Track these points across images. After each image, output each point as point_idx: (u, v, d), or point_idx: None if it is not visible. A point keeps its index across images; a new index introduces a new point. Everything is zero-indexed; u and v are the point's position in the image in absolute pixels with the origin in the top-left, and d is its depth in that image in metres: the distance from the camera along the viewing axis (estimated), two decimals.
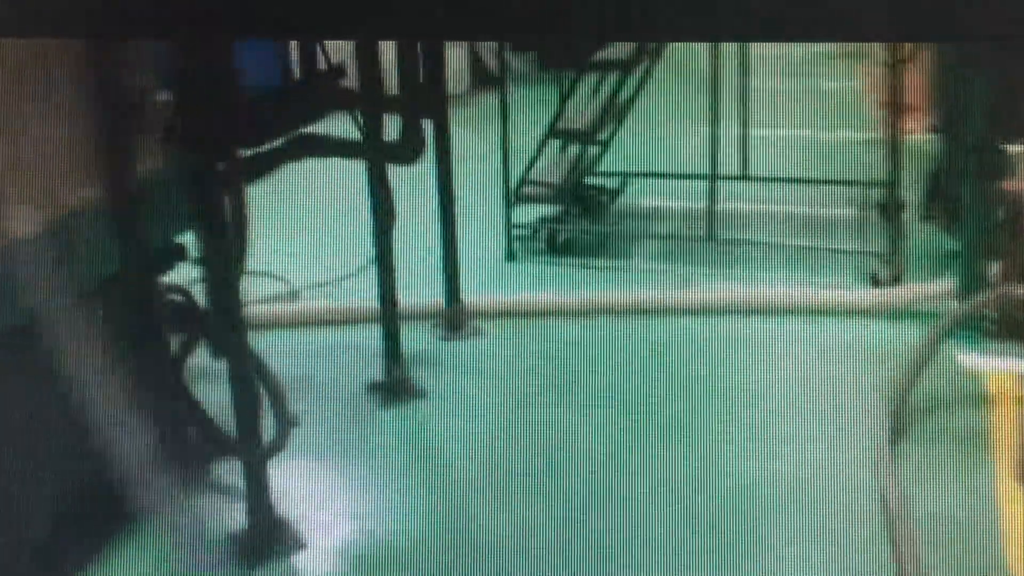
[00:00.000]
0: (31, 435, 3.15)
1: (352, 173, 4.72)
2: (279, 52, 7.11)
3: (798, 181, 6.87)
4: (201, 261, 3.18)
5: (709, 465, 4.11)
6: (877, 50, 6.76)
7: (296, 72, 4.59)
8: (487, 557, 3.62)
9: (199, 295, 3.76)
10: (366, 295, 4.92)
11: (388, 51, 4.25)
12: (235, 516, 3.67)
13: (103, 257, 3.04)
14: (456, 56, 10.04)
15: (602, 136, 6.60)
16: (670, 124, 7.98)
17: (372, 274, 4.74)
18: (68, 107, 2.75)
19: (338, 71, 4.36)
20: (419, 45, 4.23)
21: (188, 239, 3.62)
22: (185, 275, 3.84)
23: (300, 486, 3.98)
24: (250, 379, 3.33)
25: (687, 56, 8.04)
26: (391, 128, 4.40)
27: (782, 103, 8.69)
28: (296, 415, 4.23)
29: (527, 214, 6.52)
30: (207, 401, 3.93)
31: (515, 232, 6.38)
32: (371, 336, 4.83)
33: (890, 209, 6.01)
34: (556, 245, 6.42)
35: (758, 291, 5.53)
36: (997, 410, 4.40)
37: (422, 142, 4.26)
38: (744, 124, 6.60)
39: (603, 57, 6.21)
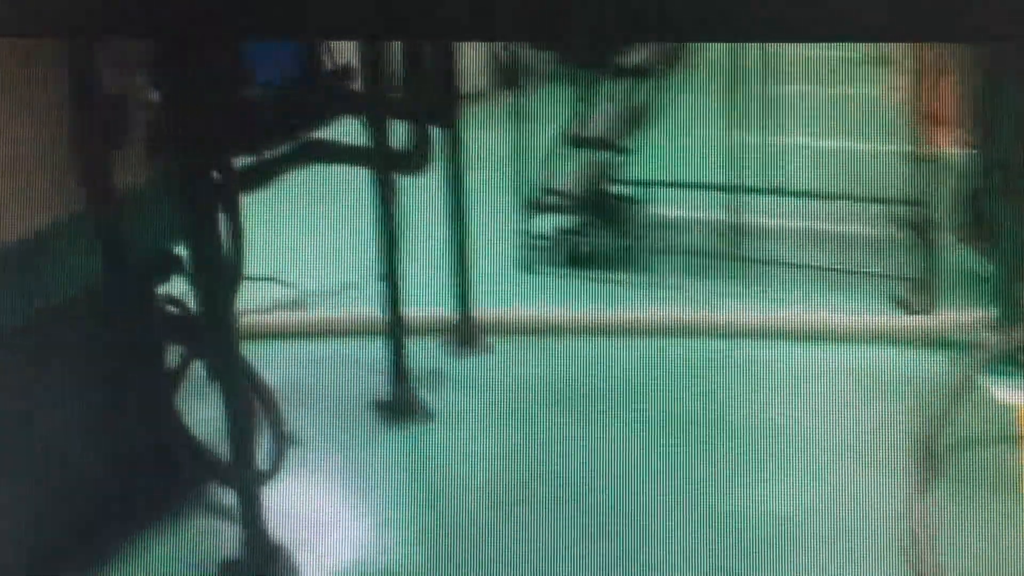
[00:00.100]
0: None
1: (365, 175, 4.55)
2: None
3: (824, 197, 6.62)
4: (192, 280, 3.02)
5: (727, 498, 3.93)
6: (909, 57, 6.52)
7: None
8: None
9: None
10: (374, 304, 4.74)
11: (397, 52, 4.09)
12: (227, 542, 3.52)
13: (86, 268, 2.87)
14: (476, 53, 9.87)
15: (625, 143, 6.39)
16: (695, 131, 7.76)
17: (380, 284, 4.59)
18: (45, 109, 2.59)
19: (345, 72, 4.20)
20: (429, 47, 4.06)
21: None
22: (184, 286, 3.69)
23: (296, 511, 3.82)
24: (243, 405, 3.17)
25: (713, 61, 7.81)
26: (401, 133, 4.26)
27: (809, 110, 8.44)
28: (295, 434, 4.10)
29: (546, 223, 6.35)
30: (207, 418, 3.78)
31: (532, 242, 6.21)
32: (378, 349, 4.66)
33: (922, 229, 5.76)
34: (576, 257, 6.25)
35: (781, 314, 5.31)
36: None
37: (430, 151, 4.10)
38: (769, 132, 6.38)
39: (627, 62, 6.02)
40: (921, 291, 5.39)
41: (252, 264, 5.63)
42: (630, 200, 6.73)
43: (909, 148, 6.14)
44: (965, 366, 4.33)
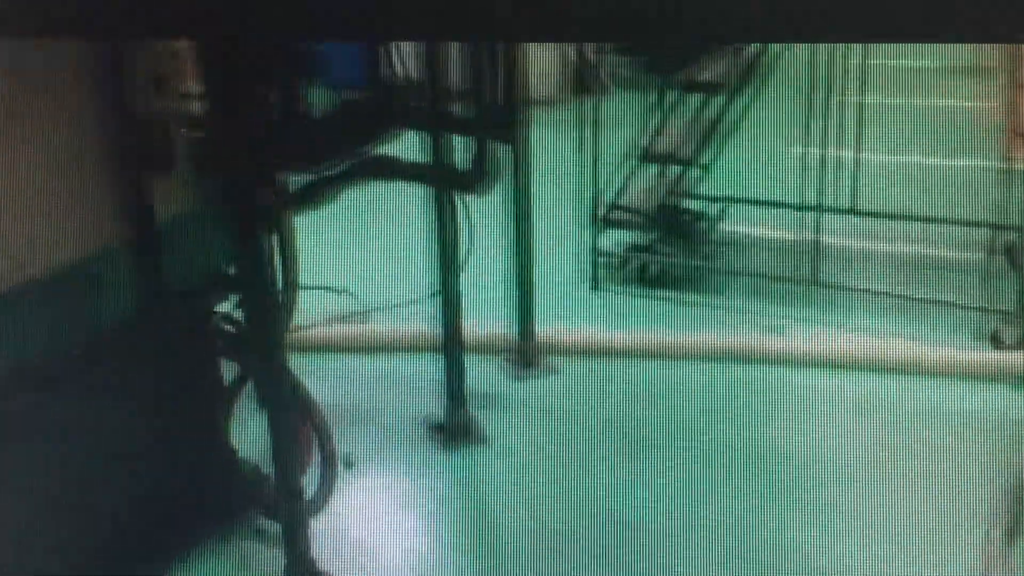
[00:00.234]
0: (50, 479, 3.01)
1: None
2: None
3: (908, 218, 6.34)
4: (240, 308, 2.98)
5: (794, 538, 3.76)
6: (1007, 67, 6.22)
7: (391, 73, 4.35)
8: None
9: None
10: (435, 320, 4.67)
11: (460, 67, 4.02)
12: (275, 568, 3.48)
13: (139, 290, 2.85)
14: (545, 57, 9.77)
15: (699, 158, 6.24)
16: (772, 146, 7.53)
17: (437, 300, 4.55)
18: (85, 134, 2.57)
19: (410, 85, 4.14)
20: (494, 62, 3.97)
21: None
22: None
23: (343, 536, 3.77)
24: (290, 437, 3.12)
25: (790, 74, 7.58)
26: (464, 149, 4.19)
27: (893, 124, 8.12)
28: (352, 456, 4.07)
29: (616, 240, 6.23)
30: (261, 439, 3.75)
31: (601, 260, 6.10)
32: (435, 367, 4.60)
33: (1016, 256, 5.48)
34: (646, 276, 6.14)
35: (859, 344, 5.10)
36: None
37: (492, 172, 4.00)
38: (850, 148, 6.14)
39: (701, 76, 5.86)
40: (1014, 324, 5.13)
41: (317, 273, 5.78)
42: (702, 217, 6.57)
43: (1002, 165, 5.87)
44: None
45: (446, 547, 3.89)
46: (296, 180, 3.69)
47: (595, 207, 6.07)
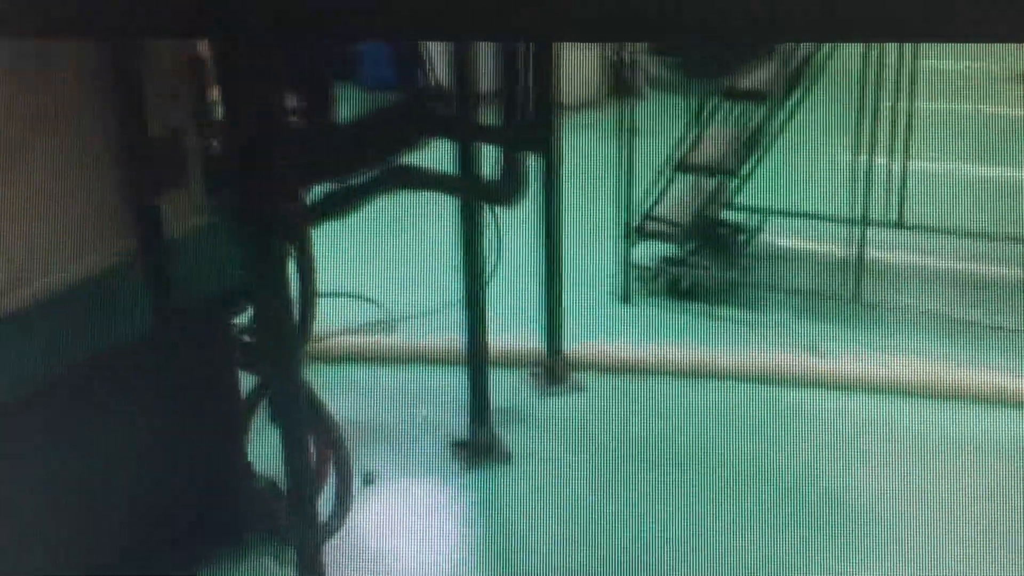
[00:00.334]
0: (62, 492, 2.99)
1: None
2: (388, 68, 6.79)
3: (961, 233, 6.19)
4: (255, 326, 2.94)
5: (826, 569, 3.66)
6: None
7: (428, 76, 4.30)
8: None
9: None
10: (461, 332, 4.62)
11: (490, 75, 3.97)
12: None
13: (147, 306, 2.82)
14: (590, 62, 9.71)
15: (737, 167, 6.13)
16: (815, 156, 7.42)
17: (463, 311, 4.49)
18: (98, 149, 2.53)
19: (438, 93, 4.09)
20: (527, 68, 3.92)
21: None
22: None
23: (362, 558, 3.73)
24: (305, 455, 3.08)
25: (841, 80, 7.45)
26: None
27: (946, 133, 7.96)
28: (372, 473, 4.04)
29: (649, 252, 6.14)
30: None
31: (633, 272, 6.02)
32: (460, 380, 4.55)
33: None
34: (679, 289, 6.02)
35: (908, 367, 4.98)
36: None
37: (523, 183, 3.95)
38: (898, 157, 6.01)
39: (742, 85, 5.76)
40: None
41: (341, 281, 5.77)
42: (740, 228, 6.47)
43: None
44: None
45: (468, 570, 3.83)
46: (317, 189, 3.67)
47: (628, 217, 5.98)
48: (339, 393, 4.88)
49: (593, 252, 6.06)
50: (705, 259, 6.19)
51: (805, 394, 4.95)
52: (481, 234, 4.34)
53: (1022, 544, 3.69)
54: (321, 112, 3.73)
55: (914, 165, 6.12)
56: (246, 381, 3.69)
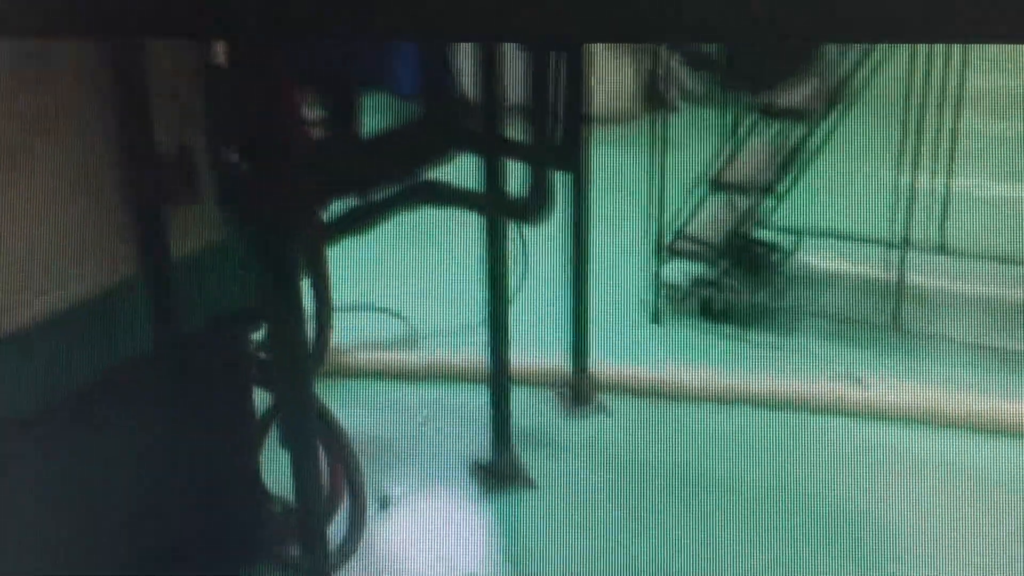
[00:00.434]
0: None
1: None
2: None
3: (1009, 261, 6.05)
4: (267, 347, 2.90)
5: None
6: None
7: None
8: None
9: None
10: (485, 350, 4.56)
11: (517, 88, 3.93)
12: None
13: (156, 326, 2.78)
14: (622, 73, 9.66)
15: (777, 187, 6.05)
16: (856, 174, 7.30)
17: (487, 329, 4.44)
18: (105, 164, 2.50)
19: (464, 105, 4.05)
20: (555, 82, 3.87)
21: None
22: None
23: None
24: (317, 486, 3.03)
25: (884, 97, 7.35)
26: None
27: (997, 153, 7.81)
28: (388, 496, 3.99)
29: (680, 271, 6.06)
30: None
31: (664, 292, 5.94)
32: (482, 400, 4.49)
33: None
34: (711, 311, 5.94)
35: (946, 399, 4.87)
36: None
37: (550, 201, 3.90)
38: (943, 177, 5.89)
39: (781, 103, 5.68)
40: None
41: (363, 294, 5.75)
42: (775, 249, 6.37)
43: None
44: None
45: None
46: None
47: (659, 235, 5.92)
48: (358, 410, 4.87)
49: (622, 270, 6.00)
50: (738, 280, 6.12)
51: (840, 423, 4.85)
52: (506, 250, 4.28)
53: None
54: (343, 123, 3.71)
55: (958, 187, 6.00)
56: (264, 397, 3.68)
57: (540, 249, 4.96)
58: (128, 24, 1.92)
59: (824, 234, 6.48)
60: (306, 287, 3.16)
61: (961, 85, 5.76)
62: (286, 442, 3.13)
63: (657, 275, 5.93)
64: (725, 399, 5.05)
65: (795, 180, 6.16)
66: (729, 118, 6.34)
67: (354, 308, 5.71)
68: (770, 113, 5.93)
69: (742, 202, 6.09)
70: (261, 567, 3.68)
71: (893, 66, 5.91)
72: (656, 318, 5.91)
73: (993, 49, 6.64)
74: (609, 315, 5.46)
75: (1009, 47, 6.17)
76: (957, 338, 5.46)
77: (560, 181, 4.34)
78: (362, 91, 3.74)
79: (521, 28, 1.83)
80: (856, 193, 7.04)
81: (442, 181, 3.99)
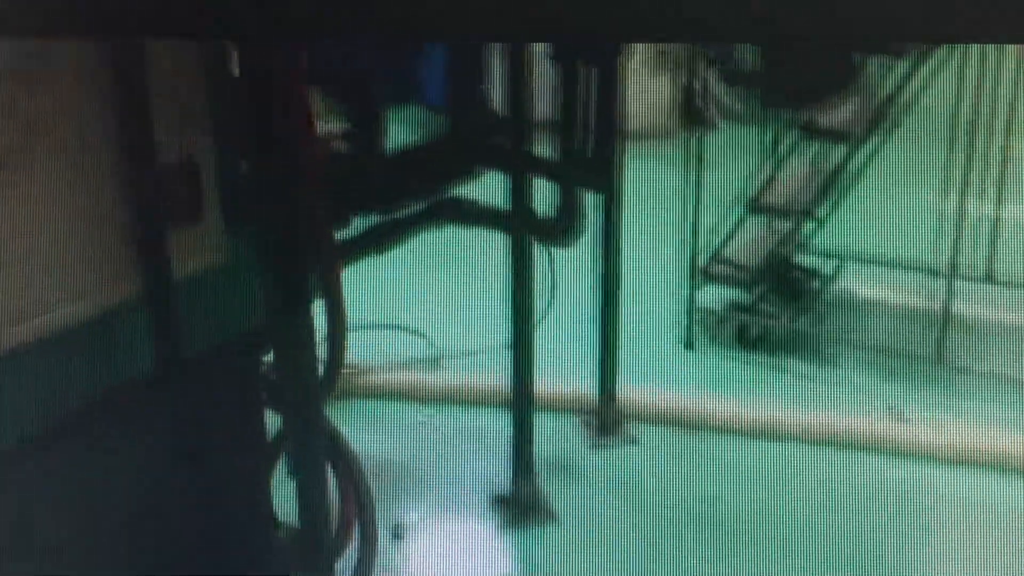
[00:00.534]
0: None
1: None
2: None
3: None
4: (275, 378, 2.80)
5: None
6: None
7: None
8: None
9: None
10: (509, 373, 4.46)
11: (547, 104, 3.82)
12: None
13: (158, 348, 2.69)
14: (660, 87, 9.57)
15: (817, 211, 5.91)
16: (900, 198, 7.13)
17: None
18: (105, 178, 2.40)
19: (494, 121, 3.96)
20: (587, 98, 3.77)
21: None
22: None
23: None
24: (326, 520, 2.92)
25: (931, 120, 7.18)
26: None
27: None
28: (401, 527, 3.88)
29: (715, 296, 5.94)
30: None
31: (698, 317, 5.83)
32: (505, 426, 4.38)
33: None
34: (747, 338, 5.81)
35: (993, 438, 4.70)
36: None
37: (580, 223, 3.79)
38: (994, 204, 5.74)
39: (823, 123, 5.55)
40: None
41: (390, 311, 5.67)
42: (815, 275, 6.22)
43: None
44: None
45: None
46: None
47: (694, 258, 5.81)
48: (375, 433, 4.79)
49: (654, 293, 5.85)
50: (776, 306, 5.98)
51: (880, 461, 4.70)
52: (533, 270, 4.18)
53: None
54: (366, 136, 3.62)
55: (1007, 214, 5.83)
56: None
57: (569, 268, 4.85)
58: (128, 24, 1.88)
59: (866, 260, 6.35)
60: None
61: (1012, 108, 5.60)
62: (294, 472, 3.02)
63: (691, 299, 5.81)
64: (759, 432, 4.92)
65: (836, 203, 6.01)
66: (769, 137, 6.21)
67: (376, 326, 5.66)
68: (811, 133, 5.80)
69: (781, 225, 5.96)
70: None
71: (941, 87, 5.77)
72: (689, 344, 5.79)
73: None
74: (640, 340, 5.34)
75: None
76: (1005, 373, 5.28)
77: (591, 199, 4.25)
78: (387, 101, 3.65)
79: (535, 26, 1.75)
80: (900, 218, 6.87)
81: (467, 198, 3.89)
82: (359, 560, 3.34)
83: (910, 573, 4.01)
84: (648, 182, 6.48)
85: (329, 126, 3.42)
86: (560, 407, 4.94)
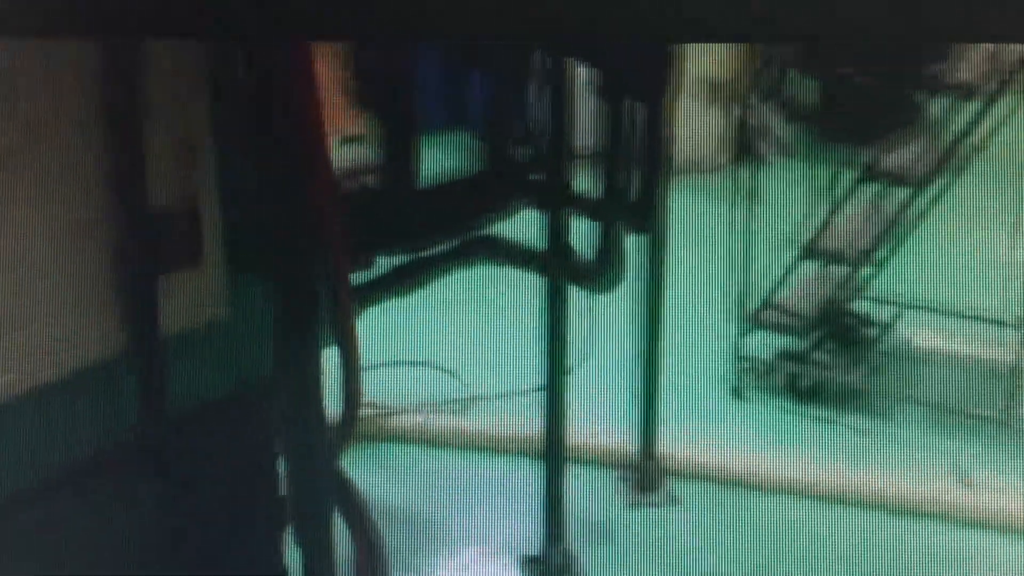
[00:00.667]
0: None
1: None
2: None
3: None
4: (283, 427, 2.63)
5: None
6: None
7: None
8: None
9: None
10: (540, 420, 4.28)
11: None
12: None
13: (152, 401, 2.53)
14: (711, 119, 9.43)
15: (876, 255, 5.71)
16: (967, 245, 6.88)
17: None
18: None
19: (532, 156, 3.80)
20: (632, 132, 3.60)
21: None
22: None
23: None
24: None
25: (1000, 161, 6.95)
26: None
27: None
28: None
29: (764, 343, 5.74)
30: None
31: (745, 365, 5.65)
32: (535, 479, 4.18)
33: None
34: (798, 388, 5.60)
35: None
36: None
37: (621, 267, 3.61)
38: None
39: (885, 165, 5.36)
40: None
41: (418, 347, 5.53)
42: (871, 323, 5.98)
43: None
44: None
45: None
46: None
47: (743, 302, 5.64)
48: (397, 481, 4.64)
49: (699, 339, 5.68)
50: (829, 355, 5.77)
51: (943, 530, 4.48)
52: (568, 311, 4.01)
53: None
54: (396, 165, 3.48)
55: None
56: None
57: (609, 308, 4.67)
58: (128, 24, 1.85)
59: (927, 308, 6.08)
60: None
61: None
62: (299, 543, 2.85)
63: (738, 346, 5.65)
64: (811, 492, 4.73)
65: (896, 246, 5.80)
66: (824, 175, 6.01)
67: (403, 362, 5.55)
68: (873, 174, 5.61)
69: (837, 271, 5.76)
70: None
71: (1013, 129, 5.58)
72: (736, 394, 5.59)
73: None
74: (683, 388, 5.16)
75: None
76: None
77: (633, 239, 4.08)
78: (425, 123, 3.50)
79: (536, 26, 1.72)
80: (965, 264, 6.62)
81: (501, 236, 3.73)
82: None
83: None
84: (696, 218, 6.31)
85: (356, 154, 3.29)
86: (596, 460, 4.77)
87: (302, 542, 2.77)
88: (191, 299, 2.33)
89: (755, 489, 4.69)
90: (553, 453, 4.13)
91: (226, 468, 2.98)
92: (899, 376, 5.82)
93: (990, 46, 5.12)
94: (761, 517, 4.52)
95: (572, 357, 4.25)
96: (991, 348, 5.53)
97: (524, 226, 3.87)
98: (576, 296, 4.12)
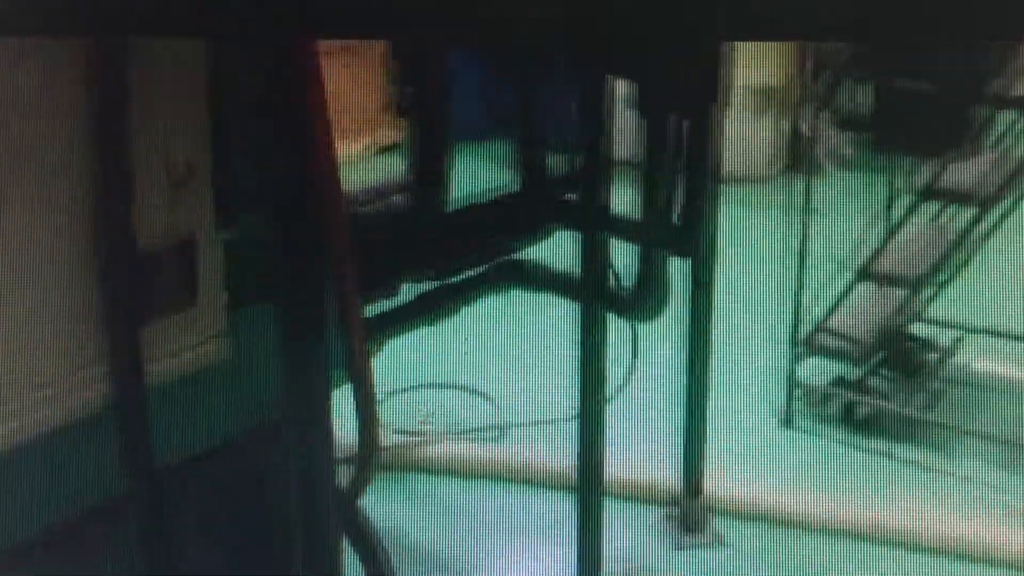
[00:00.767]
0: None
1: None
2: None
3: None
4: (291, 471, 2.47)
5: None
6: None
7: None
8: None
9: None
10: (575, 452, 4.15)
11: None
12: None
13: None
14: (763, 129, 9.28)
15: (936, 278, 5.50)
16: None
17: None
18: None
19: (567, 178, 3.63)
20: (676, 143, 3.41)
21: None
22: None
23: None
24: None
25: None
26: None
27: None
28: None
29: (817, 369, 5.55)
30: None
31: (798, 392, 5.46)
32: (567, 515, 4.02)
33: None
34: (855, 418, 5.42)
35: None
36: None
37: (663, 296, 3.41)
38: None
39: (947, 184, 5.14)
40: None
41: (453, 370, 5.40)
42: (932, 348, 5.78)
43: None
44: None
45: None
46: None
47: (796, 326, 5.44)
48: (422, 514, 4.56)
49: (749, 365, 5.54)
50: (887, 383, 5.59)
51: None
52: (606, 335, 3.83)
53: None
54: (426, 186, 3.33)
55: None
56: None
57: (651, 333, 4.50)
58: (128, 24, 1.86)
59: (991, 332, 5.86)
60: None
61: None
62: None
63: (791, 373, 5.46)
64: (868, 534, 4.55)
65: (960, 267, 5.59)
66: (882, 186, 5.81)
67: (435, 385, 5.45)
68: (935, 194, 5.42)
69: (896, 293, 5.55)
70: None
71: None
72: (788, 423, 5.40)
73: None
74: (731, 419, 5.01)
75: None
76: None
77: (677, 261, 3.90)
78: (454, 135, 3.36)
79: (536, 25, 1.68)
80: None
81: (534, 263, 3.65)
82: None
83: None
84: (743, 234, 6.12)
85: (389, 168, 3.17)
86: (637, 496, 4.63)
87: None
88: (184, 340, 2.17)
89: (807, 530, 4.52)
90: (588, 489, 3.95)
91: (230, 515, 2.85)
92: (963, 406, 5.61)
93: None
94: (813, 562, 4.35)
95: (610, 384, 4.08)
96: None
97: (560, 248, 3.72)
98: (617, 318, 3.96)
